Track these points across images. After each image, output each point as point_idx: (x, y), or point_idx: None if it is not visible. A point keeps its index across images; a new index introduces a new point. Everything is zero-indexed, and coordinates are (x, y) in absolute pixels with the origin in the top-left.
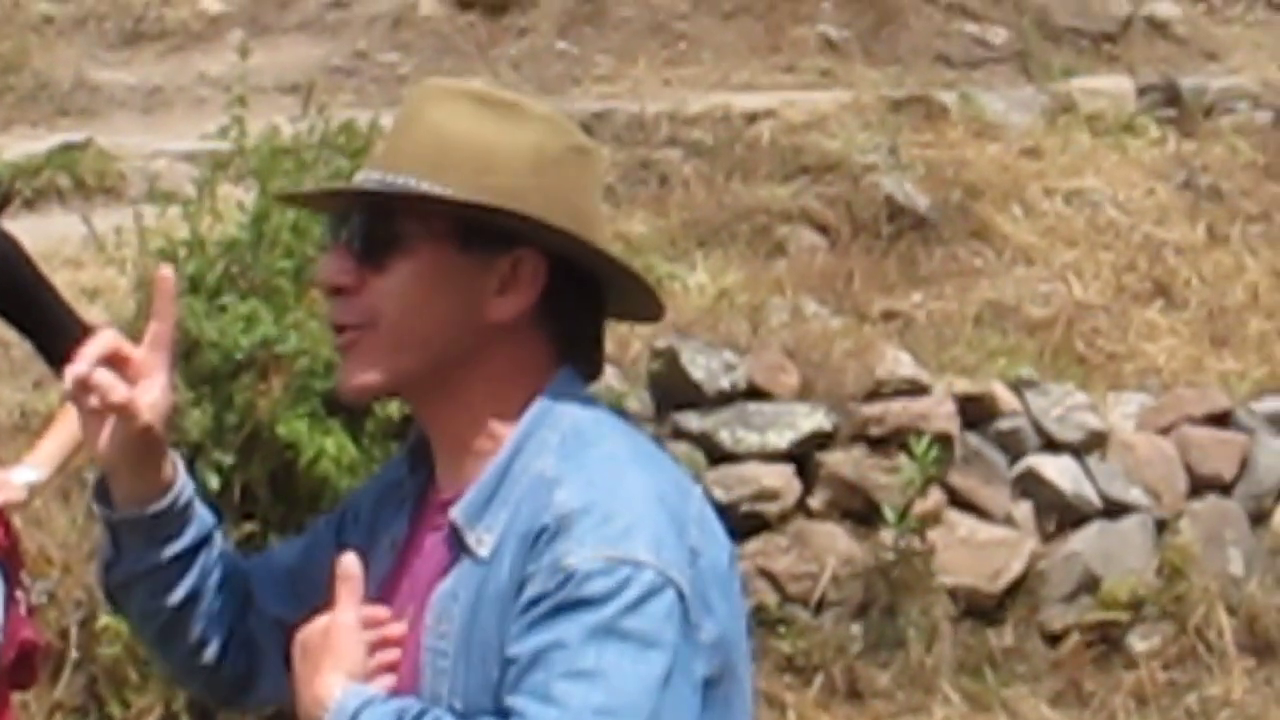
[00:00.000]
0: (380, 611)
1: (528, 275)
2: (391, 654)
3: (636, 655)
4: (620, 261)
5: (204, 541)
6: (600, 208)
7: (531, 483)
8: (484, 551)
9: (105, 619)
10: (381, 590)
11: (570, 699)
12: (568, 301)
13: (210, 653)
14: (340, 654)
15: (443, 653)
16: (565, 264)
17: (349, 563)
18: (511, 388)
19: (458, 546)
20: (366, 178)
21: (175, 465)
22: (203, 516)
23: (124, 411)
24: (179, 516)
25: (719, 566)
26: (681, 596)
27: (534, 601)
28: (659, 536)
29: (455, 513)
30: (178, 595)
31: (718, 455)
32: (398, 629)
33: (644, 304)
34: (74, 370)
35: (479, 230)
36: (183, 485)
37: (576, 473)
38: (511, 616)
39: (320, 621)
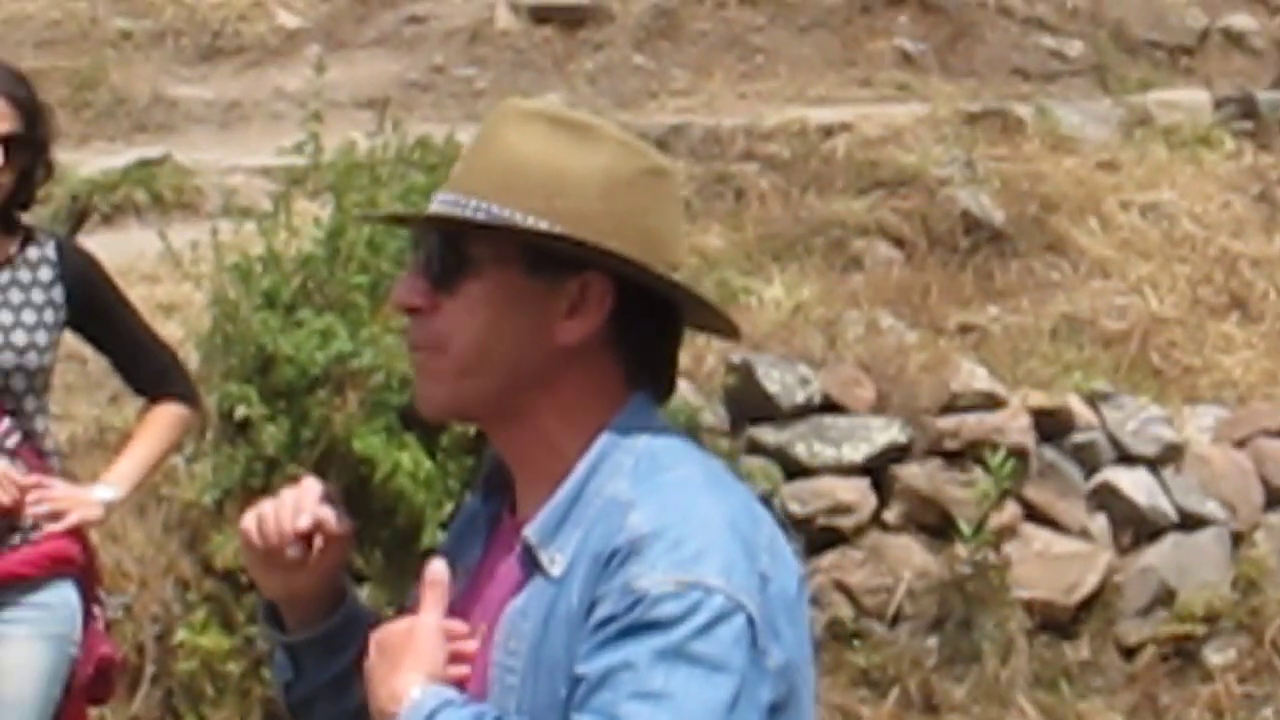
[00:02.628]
0: (458, 625)
1: (595, 299)
2: (462, 669)
3: (704, 679)
4: (686, 288)
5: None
6: (678, 228)
7: (605, 505)
8: (556, 571)
9: (182, 633)
10: (452, 615)
11: (633, 717)
12: (638, 324)
13: None
14: (420, 654)
15: (511, 669)
16: (634, 287)
17: (436, 569)
18: (583, 411)
19: (530, 565)
20: (442, 199)
21: (344, 576)
22: (364, 613)
23: (344, 541)
24: (352, 623)
25: (788, 593)
26: (751, 622)
27: (604, 622)
28: (730, 562)
29: (529, 532)
30: (357, 698)
31: (793, 469)
32: (471, 645)
33: (719, 323)
34: (300, 523)
35: (547, 254)
36: (352, 593)
37: (650, 496)
38: (581, 636)
39: (403, 622)
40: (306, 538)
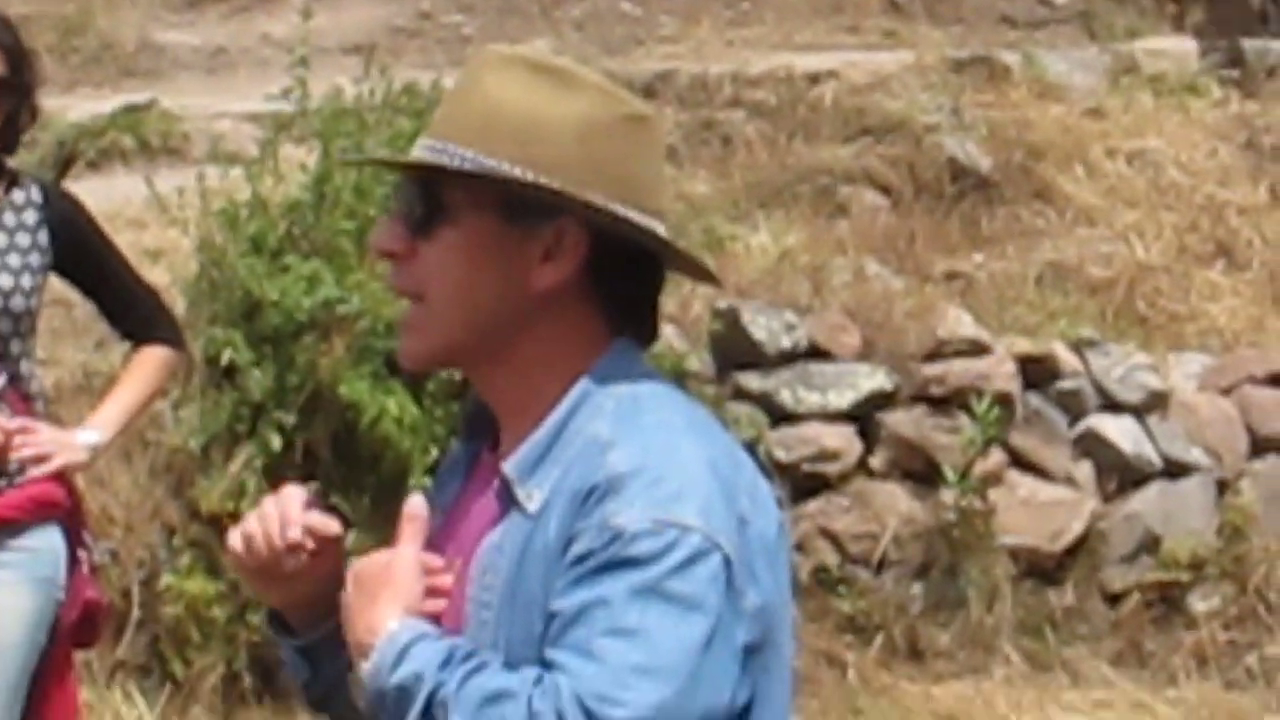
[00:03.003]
0: (435, 560)
1: (569, 245)
2: (439, 603)
3: (679, 617)
4: (657, 236)
5: None
6: (660, 175)
7: (584, 445)
8: (532, 507)
9: (167, 579)
10: (429, 551)
11: (609, 655)
12: (615, 269)
13: None
14: (398, 588)
15: (486, 604)
16: (609, 233)
17: (415, 503)
18: (564, 355)
19: (507, 501)
20: (423, 145)
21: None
22: None
23: (337, 543)
24: None
25: (767, 537)
26: (728, 562)
27: (581, 558)
28: (709, 502)
29: (507, 467)
30: None
31: (779, 415)
32: (447, 579)
33: (699, 271)
34: (290, 535)
35: (523, 201)
36: None
37: (630, 436)
38: (557, 572)
39: (380, 555)
40: (299, 546)
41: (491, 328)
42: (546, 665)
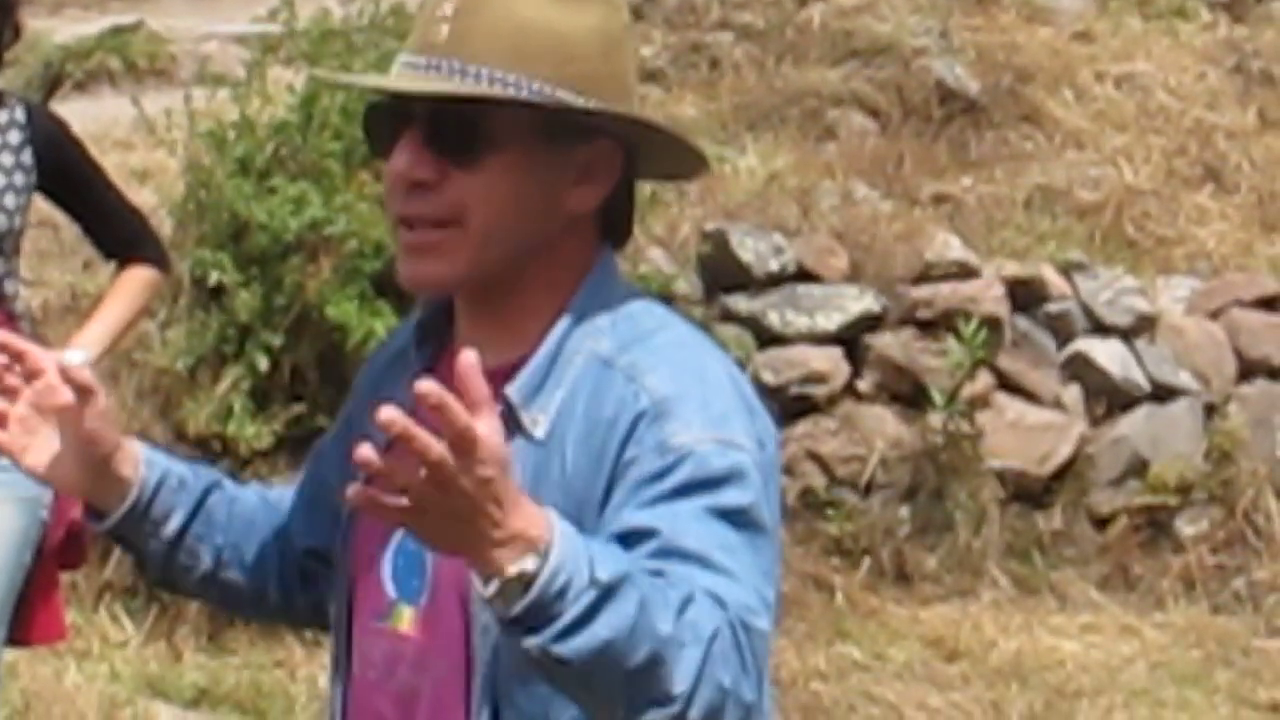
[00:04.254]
0: None
1: (605, 166)
2: None
3: (758, 533)
4: (685, 140)
5: (199, 507)
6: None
7: (586, 363)
8: (539, 432)
9: None
10: (387, 457)
11: (732, 568)
12: (625, 186)
13: (274, 595)
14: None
15: None
16: (632, 151)
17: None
18: (566, 272)
19: (511, 426)
20: (443, 66)
21: (134, 457)
22: (188, 484)
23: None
24: (156, 501)
25: (773, 456)
26: (765, 482)
27: (649, 479)
28: (744, 423)
29: (511, 391)
30: (206, 561)
31: (766, 338)
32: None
33: (687, 165)
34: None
35: (563, 122)
36: (145, 475)
37: (657, 360)
38: (588, 498)
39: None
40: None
41: (525, 251)
42: (644, 534)
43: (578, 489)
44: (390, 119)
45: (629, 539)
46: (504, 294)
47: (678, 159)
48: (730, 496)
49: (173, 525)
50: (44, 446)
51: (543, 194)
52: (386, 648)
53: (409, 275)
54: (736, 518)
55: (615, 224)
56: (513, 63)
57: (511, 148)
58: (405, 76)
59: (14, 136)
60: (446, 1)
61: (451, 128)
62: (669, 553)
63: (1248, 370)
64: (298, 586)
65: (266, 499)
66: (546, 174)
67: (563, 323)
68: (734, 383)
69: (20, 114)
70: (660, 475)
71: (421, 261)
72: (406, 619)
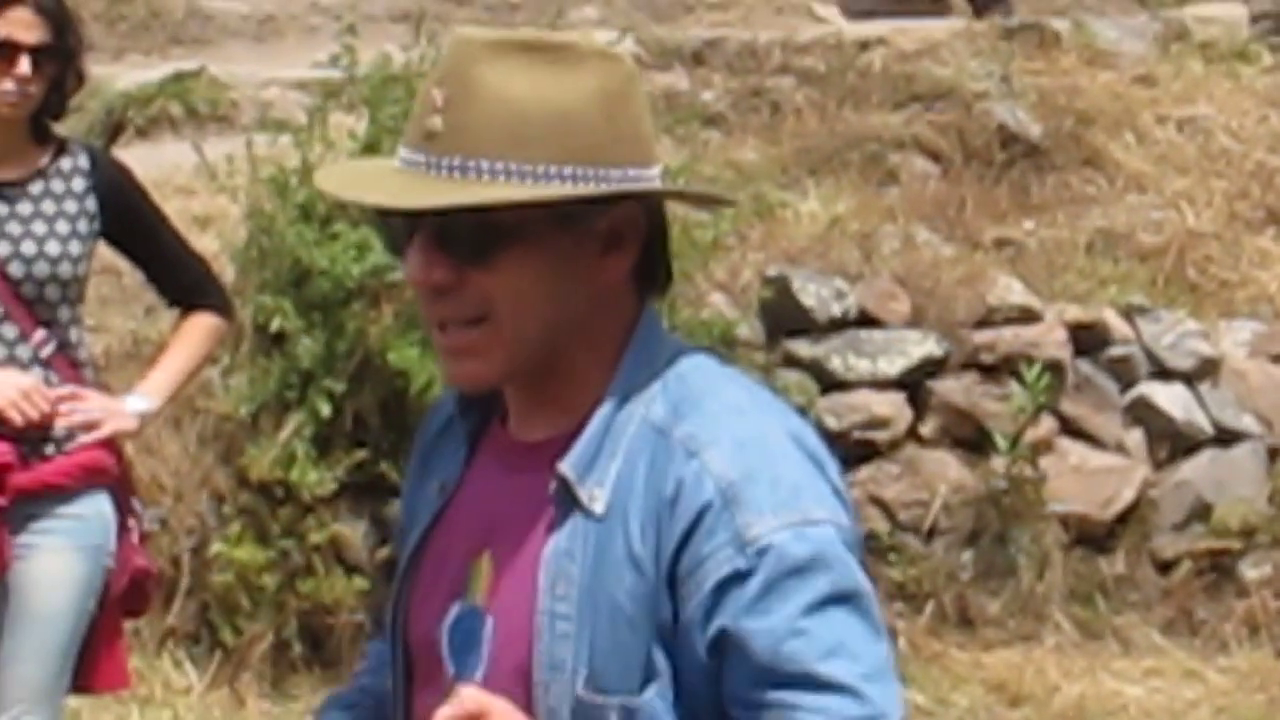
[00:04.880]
0: None
1: (629, 230)
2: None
3: (856, 611)
4: (697, 194)
5: None
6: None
7: (639, 431)
8: (599, 508)
9: (217, 546)
10: (427, 535)
11: (839, 676)
12: (653, 241)
13: None
14: None
15: (564, 616)
16: (655, 208)
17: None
18: (607, 338)
19: (567, 502)
20: (437, 162)
21: None
22: None
23: None
24: None
25: (848, 498)
26: (846, 539)
27: (730, 581)
28: (818, 487)
29: (565, 468)
30: None
31: (829, 382)
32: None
33: (709, 202)
34: None
35: (575, 202)
36: None
37: (717, 433)
38: (655, 582)
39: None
40: None
41: (562, 332)
42: (757, 706)
43: (646, 567)
44: (401, 221)
45: (726, 656)
46: (548, 373)
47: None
48: (819, 584)
49: None
50: None
51: (569, 273)
52: None
53: (451, 377)
54: (830, 603)
55: (652, 277)
56: (511, 150)
57: (525, 238)
58: (405, 177)
59: (78, 183)
60: (436, 89)
61: (459, 231)
62: (771, 684)
63: None
64: None
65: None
66: (568, 254)
67: (612, 392)
68: (797, 442)
69: (84, 161)
70: (741, 577)
71: (461, 363)
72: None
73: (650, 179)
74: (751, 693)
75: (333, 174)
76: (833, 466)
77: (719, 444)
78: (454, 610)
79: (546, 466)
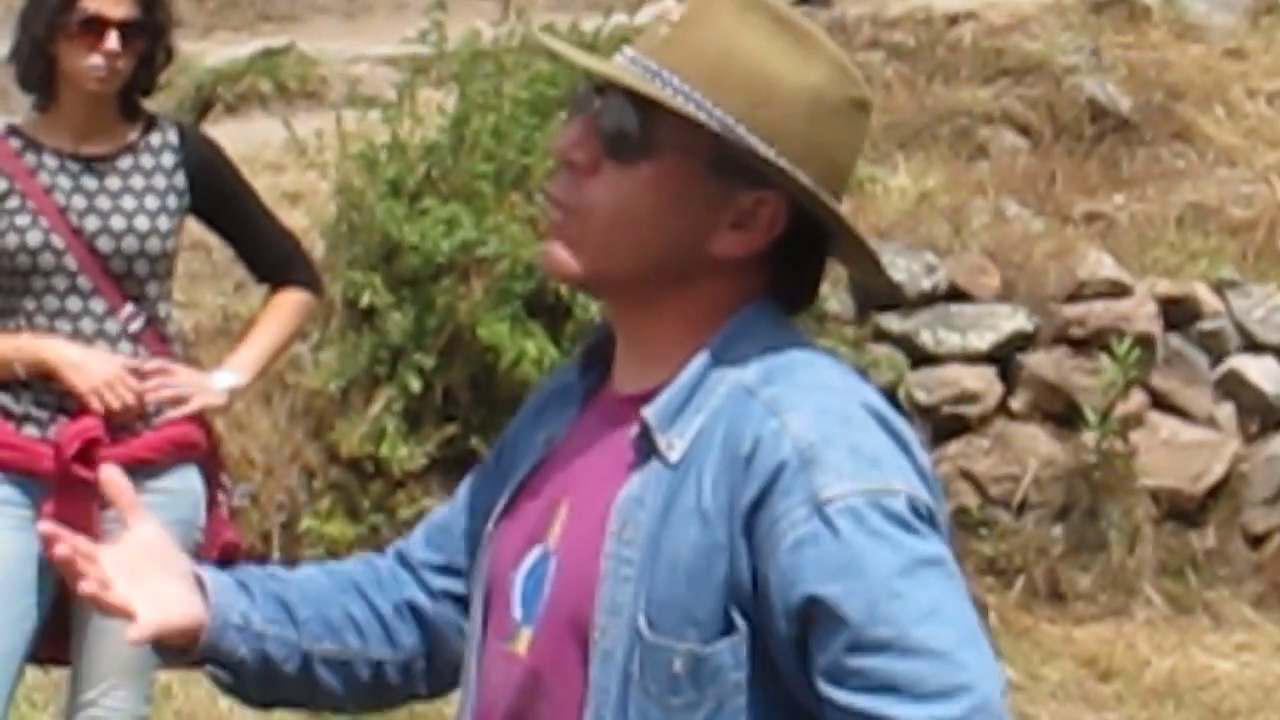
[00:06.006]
0: None
1: (766, 218)
2: None
3: (944, 574)
4: (858, 236)
5: (280, 625)
6: (856, 165)
7: (730, 392)
8: (674, 456)
9: (307, 522)
10: (523, 484)
11: (936, 643)
12: (797, 251)
13: (394, 673)
14: None
15: (628, 560)
16: (805, 216)
17: None
18: (715, 313)
19: (645, 449)
20: (638, 62)
21: (203, 601)
22: (269, 604)
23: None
24: (232, 637)
25: (936, 484)
26: (930, 511)
27: (807, 542)
28: (898, 461)
29: (648, 413)
30: (297, 644)
31: (919, 357)
32: None
33: (870, 271)
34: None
35: (733, 160)
36: (213, 618)
37: (800, 397)
38: (721, 535)
39: None
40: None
41: (655, 275)
42: (847, 674)
43: (714, 521)
44: (584, 102)
45: (815, 625)
46: (644, 320)
47: (856, 253)
48: (907, 547)
49: (254, 623)
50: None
51: (688, 222)
52: (504, 670)
53: (543, 257)
54: (922, 565)
55: (789, 289)
56: (706, 84)
57: (671, 161)
58: (609, 64)
59: (167, 159)
60: (678, 8)
61: (620, 120)
62: (863, 649)
63: None
64: (403, 629)
65: (324, 567)
66: (699, 203)
67: (709, 350)
68: (882, 421)
69: (173, 136)
70: (819, 539)
71: (551, 246)
72: (524, 641)
73: (827, 203)
74: (841, 659)
75: (554, 41)
76: (919, 450)
77: (801, 408)
78: (531, 556)
79: (636, 417)
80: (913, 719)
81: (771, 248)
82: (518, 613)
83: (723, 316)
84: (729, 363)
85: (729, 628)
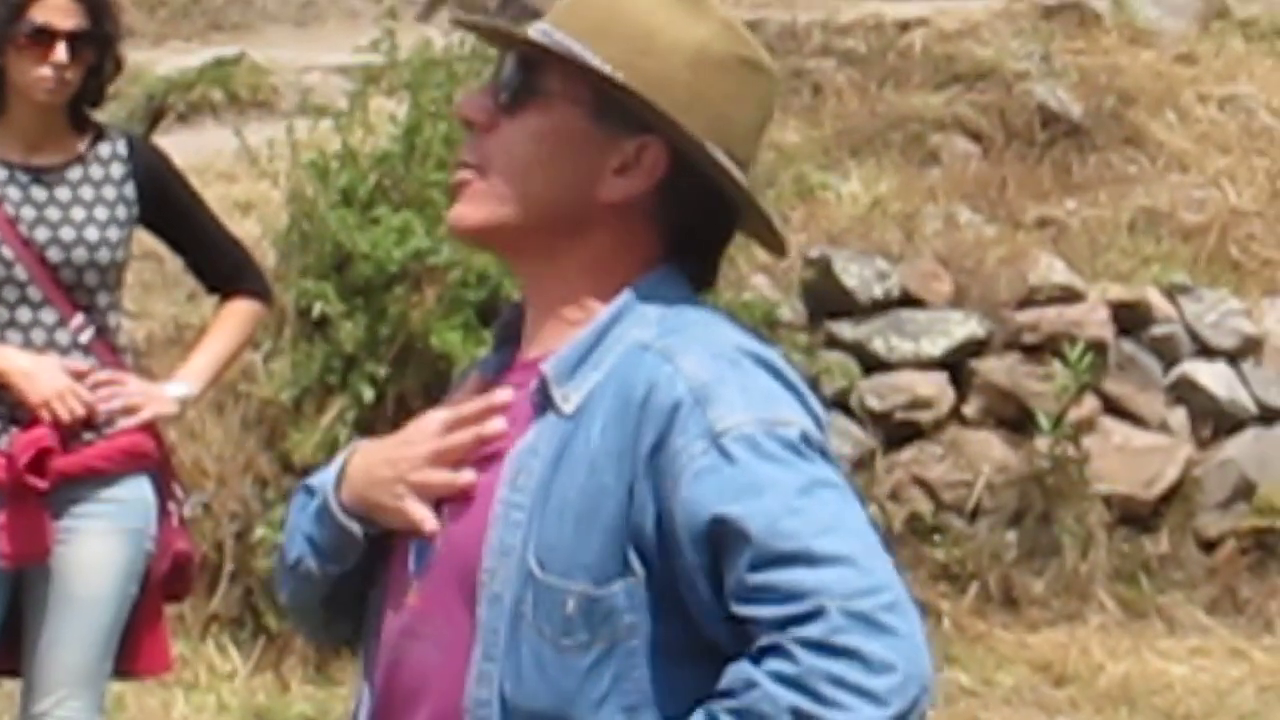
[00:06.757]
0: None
1: (647, 163)
2: (455, 477)
3: (848, 497)
4: (737, 182)
5: None
6: (756, 126)
7: (627, 350)
8: (569, 408)
9: (261, 531)
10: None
11: (837, 550)
12: (685, 200)
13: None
14: (400, 436)
15: (519, 505)
16: (690, 165)
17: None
18: (612, 267)
19: (542, 402)
20: (535, 28)
21: None
22: None
23: None
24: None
25: (827, 427)
26: (825, 451)
27: (708, 471)
28: (790, 399)
29: (546, 367)
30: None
31: (871, 363)
32: (466, 477)
33: (767, 234)
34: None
35: (615, 107)
36: None
37: (694, 345)
38: (613, 477)
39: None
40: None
41: (547, 222)
42: (756, 590)
43: (601, 465)
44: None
45: (723, 547)
46: (544, 271)
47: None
48: (804, 470)
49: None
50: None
51: (574, 168)
52: (394, 622)
53: (449, 217)
54: (819, 486)
55: (685, 245)
56: (588, 36)
57: (555, 109)
58: (492, 22)
59: (116, 170)
60: None
61: (509, 75)
62: (768, 564)
63: None
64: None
65: None
66: (584, 149)
67: (609, 309)
68: (774, 371)
69: (122, 147)
70: (720, 467)
71: (455, 204)
72: (414, 592)
73: (708, 149)
74: (749, 577)
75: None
76: (814, 401)
77: (693, 352)
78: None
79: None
80: (830, 621)
81: (657, 196)
82: (411, 566)
83: (621, 275)
84: (628, 324)
85: (624, 570)
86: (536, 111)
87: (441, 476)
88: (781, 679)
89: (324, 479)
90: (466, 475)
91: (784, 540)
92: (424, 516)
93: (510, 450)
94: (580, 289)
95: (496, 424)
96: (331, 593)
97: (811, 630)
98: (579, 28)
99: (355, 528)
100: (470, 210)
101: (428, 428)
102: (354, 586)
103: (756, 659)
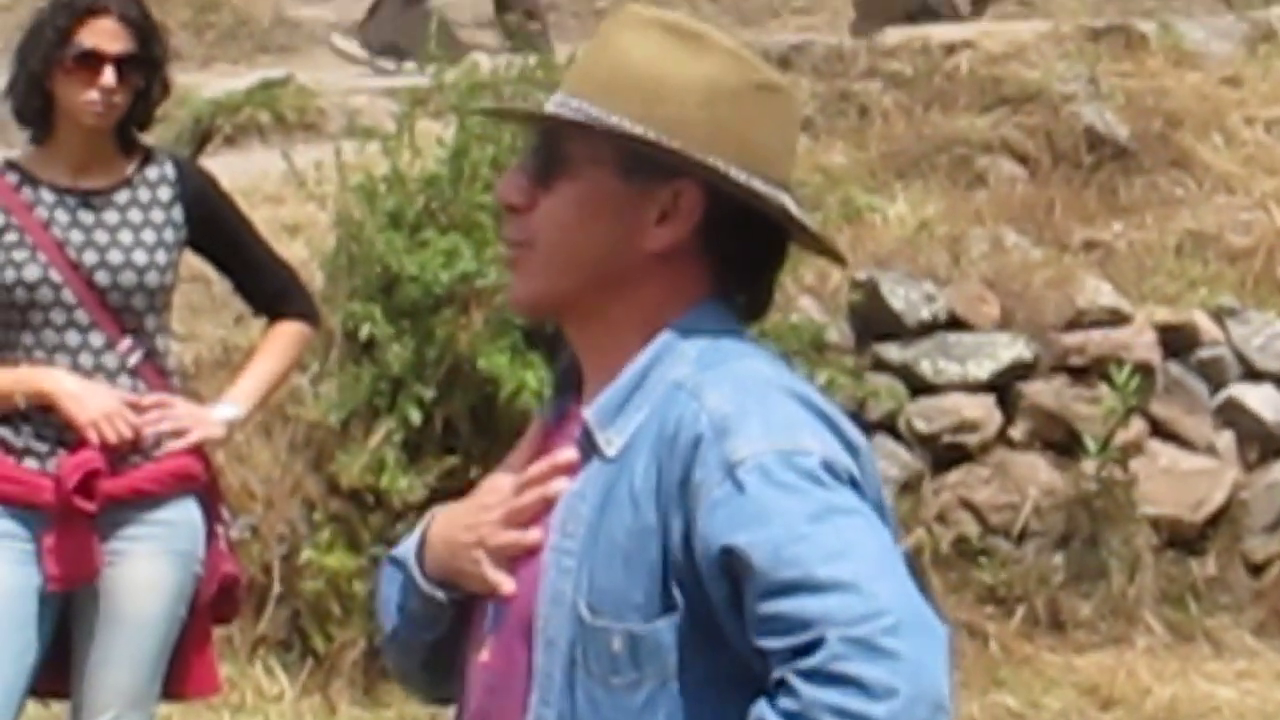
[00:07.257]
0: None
1: (685, 207)
2: (525, 535)
3: (867, 523)
4: (778, 203)
5: None
6: (787, 145)
7: (667, 390)
8: (612, 451)
9: (308, 553)
10: None
11: (841, 576)
12: (729, 233)
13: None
14: (469, 502)
15: (568, 552)
16: (727, 199)
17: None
18: (659, 312)
19: (588, 448)
20: (553, 100)
21: None
22: None
23: None
24: None
25: (869, 462)
26: (852, 477)
27: (721, 502)
28: (816, 427)
29: (588, 413)
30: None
31: (918, 386)
32: (534, 535)
33: (822, 246)
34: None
35: (642, 159)
36: None
37: (722, 380)
38: (649, 515)
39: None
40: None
41: (597, 282)
42: (764, 622)
43: (644, 505)
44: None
45: (740, 579)
46: (597, 327)
47: (799, 232)
48: (817, 497)
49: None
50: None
51: (616, 227)
52: (474, 679)
53: (508, 294)
54: (833, 513)
55: (731, 278)
56: (600, 97)
57: (585, 175)
58: (512, 103)
59: (164, 193)
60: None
61: (539, 154)
62: (773, 594)
63: None
64: None
65: None
66: (621, 207)
67: (649, 352)
68: (805, 402)
69: (170, 170)
70: (731, 496)
71: (512, 281)
72: (487, 646)
73: (740, 180)
74: (759, 607)
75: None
76: (850, 429)
77: (719, 387)
78: None
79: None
80: (830, 649)
81: (701, 235)
82: (487, 624)
83: (668, 317)
84: (669, 364)
85: (668, 606)
86: (568, 181)
87: (511, 537)
88: (788, 716)
89: (406, 550)
90: (534, 534)
91: (787, 568)
92: (500, 580)
93: (563, 495)
94: (628, 334)
95: (560, 484)
96: (429, 658)
97: (812, 661)
98: (590, 90)
99: (440, 595)
100: (526, 287)
101: (499, 489)
102: (450, 649)
103: (772, 696)
